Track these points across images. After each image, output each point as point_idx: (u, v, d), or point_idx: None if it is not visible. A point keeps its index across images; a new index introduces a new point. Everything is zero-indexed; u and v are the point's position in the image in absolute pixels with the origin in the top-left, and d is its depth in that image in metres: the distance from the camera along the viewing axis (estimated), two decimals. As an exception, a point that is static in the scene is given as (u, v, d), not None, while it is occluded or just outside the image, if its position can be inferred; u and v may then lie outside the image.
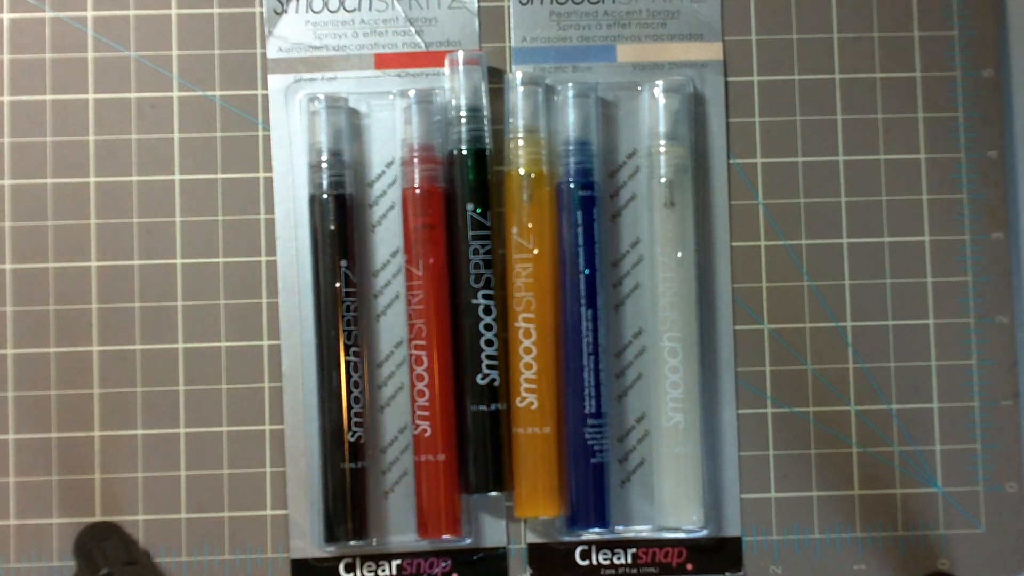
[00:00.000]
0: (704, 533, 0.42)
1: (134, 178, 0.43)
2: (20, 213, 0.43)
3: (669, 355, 0.42)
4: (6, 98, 0.43)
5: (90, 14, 0.43)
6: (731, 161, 0.44)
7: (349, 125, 0.42)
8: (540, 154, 0.42)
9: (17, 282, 0.43)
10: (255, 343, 0.43)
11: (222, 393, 0.42)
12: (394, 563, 0.42)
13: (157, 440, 0.42)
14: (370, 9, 0.43)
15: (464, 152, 0.42)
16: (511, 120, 0.42)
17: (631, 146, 0.43)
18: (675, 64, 0.43)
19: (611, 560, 0.42)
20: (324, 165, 0.41)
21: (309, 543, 0.42)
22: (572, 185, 0.42)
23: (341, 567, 0.42)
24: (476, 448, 0.41)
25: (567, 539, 0.42)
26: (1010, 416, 0.43)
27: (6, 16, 0.43)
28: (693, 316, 0.42)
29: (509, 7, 0.43)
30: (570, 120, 0.42)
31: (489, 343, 0.41)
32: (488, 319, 0.41)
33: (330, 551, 0.42)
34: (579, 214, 0.42)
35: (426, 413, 0.41)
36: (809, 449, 0.43)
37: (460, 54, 0.42)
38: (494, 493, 0.41)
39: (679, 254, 0.42)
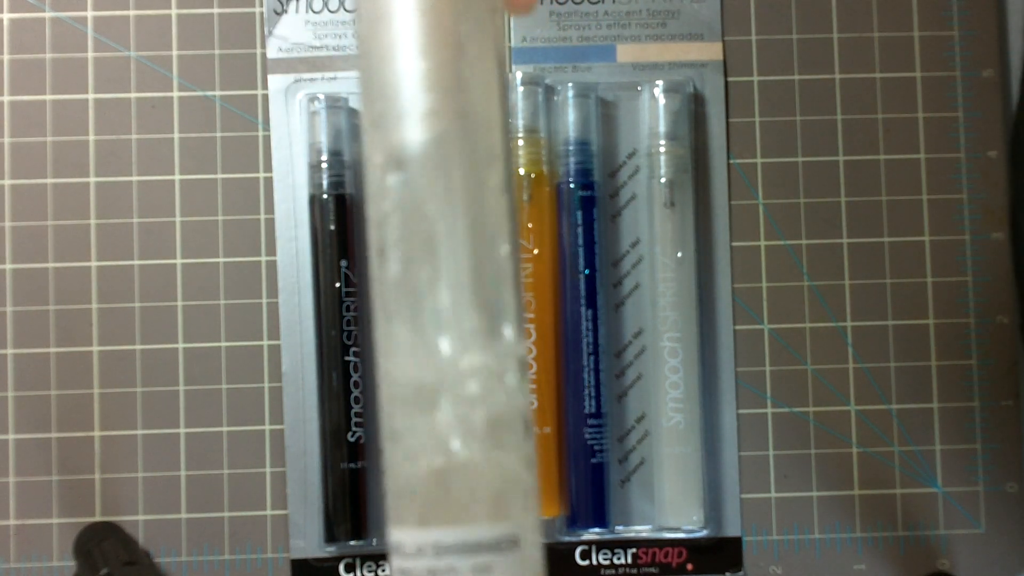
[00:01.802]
0: (704, 533, 0.42)
1: (134, 178, 0.43)
2: (20, 213, 0.43)
3: (669, 355, 0.42)
4: (6, 98, 0.43)
5: (90, 14, 0.43)
6: (731, 161, 0.44)
7: (349, 125, 0.42)
8: (540, 154, 0.42)
9: (17, 282, 0.43)
10: (255, 343, 0.43)
11: (222, 393, 0.42)
12: (394, 563, 0.42)
13: (157, 440, 0.42)
14: (370, 9, 0.43)
15: (464, 152, 0.41)
16: (511, 120, 0.42)
17: (631, 146, 0.43)
18: (675, 64, 0.43)
19: (611, 560, 0.42)
20: (324, 165, 0.41)
21: (309, 543, 0.42)
22: (572, 185, 0.42)
23: (341, 567, 0.42)
24: (476, 448, 0.41)
25: (567, 539, 0.42)
26: (1010, 416, 0.43)
27: (6, 16, 0.43)
28: (693, 316, 0.42)
29: (509, 7, 0.43)
30: (570, 120, 0.42)
31: (489, 343, 0.41)
32: (488, 319, 0.41)
33: (330, 551, 0.42)
34: (579, 214, 0.42)
35: (426, 413, 0.41)
36: (809, 449, 0.43)
37: (460, 54, 0.42)
38: (494, 493, 0.41)
39: (679, 254, 0.42)
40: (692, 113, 0.43)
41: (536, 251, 0.41)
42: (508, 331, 0.18)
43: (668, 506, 0.42)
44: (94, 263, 0.43)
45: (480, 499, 0.18)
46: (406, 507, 0.19)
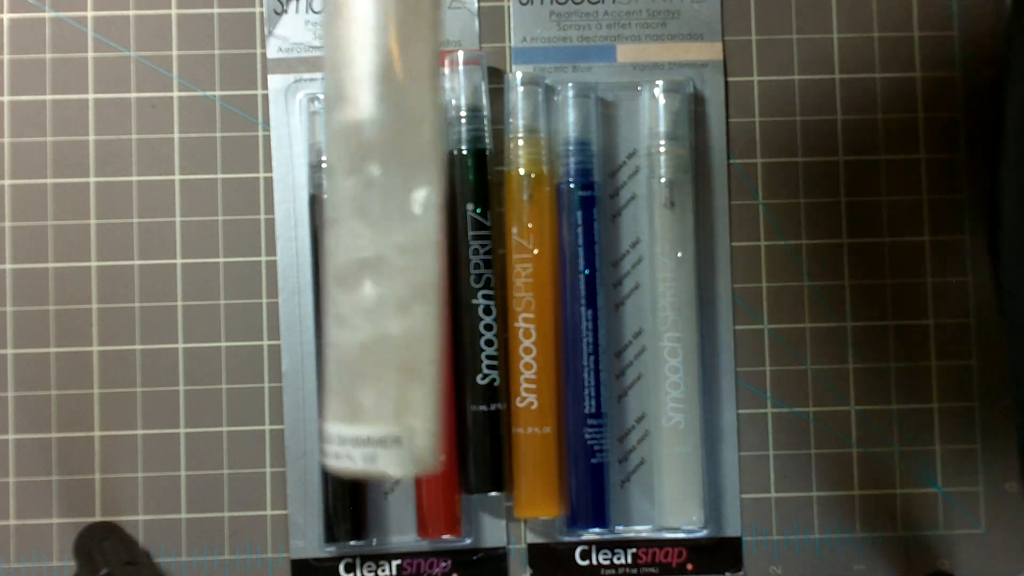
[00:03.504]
0: (704, 533, 0.42)
1: (134, 178, 0.43)
2: (20, 213, 0.43)
3: (669, 355, 0.42)
4: (6, 98, 0.43)
5: (90, 14, 0.43)
6: (731, 161, 0.44)
7: (349, 125, 0.42)
8: (540, 154, 0.42)
9: (17, 282, 0.43)
10: (255, 343, 0.43)
11: (222, 393, 0.42)
12: (394, 563, 0.42)
13: (157, 440, 0.42)
14: (370, 9, 0.43)
15: (464, 152, 0.42)
16: (511, 120, 0.42)
17: (631, 146, 0.43)
18: (675, 64, 0.43)
19: (611, 560, 0.42)
20: (324, 165, 0.41)
21: (309, 543, 0.42)
22: (572, 185, 0.42)
23: (341, 567, 0.42)
24: (476, 448, 0.41)
25: (567, 539, 0.42)
26: (1010, 416, 0.43)
27: (6, 16, 0.43)
28: (693, 316, 0.42)
29: (509, 7, 0.43)
30: (570, 120, 0.42)
31: (489, 343, 0.41)
32: (488, 319, 0.41)
33: (330, 551, 0.42)
34: (579, 214, 0.42)
35: (426, 413, 0.41)
36: (809, 449, 0.43)
37: (460, 54, 0.42)
38: (494, 493, 0.41)
39: (679, 254, 0.42)
40: (692, 113, 0.43)
41: (536, 251, 0.41)
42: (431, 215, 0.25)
43: (668, 506, 0.42)
44: (94, 263, 0.43)
45: (377, 398, 0.24)
46: (330, 405, 0.25)
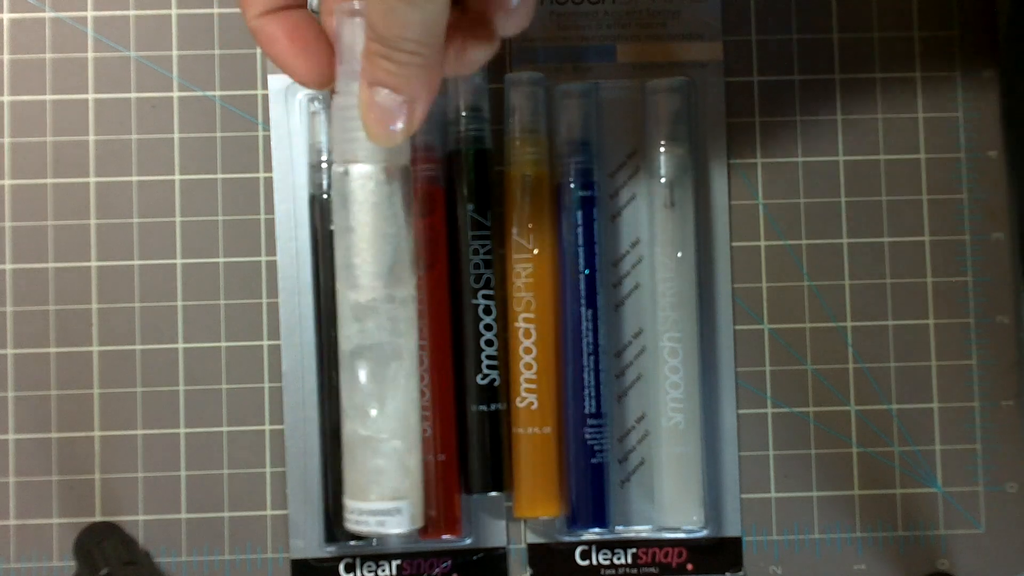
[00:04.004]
0: (704, 533, 0.42)
1: (134, 178, 0.43)
2: (20, 213, 0.43)
3: (669, 355, 0.42)
4: (6, 98, 0.43)
5: (90, 14, 0.43)
6: (731, 161, 0.44)
7: (349, 125, 0.42)
8: (540, 154, 0.42)
9: (17, 282, 0.43)
10: (255, 343, 0.43)
11: (222, 393, 0.42)
12: (394, 563, 0.42)
13: (157, 440, 0.42)
14: (370, 9, 0.43)
15: (464, 152, 0.42)
16: (511, 120, 0.42)
17: (631, 146, 0.43)
18: (675, 64, 0.43)
19: (611, 560, 0.42)
20: (324, 165, 0.41)
21: (309, 543, 0.42)
22: (572, 185, 0.42)
23: (341, 567, 0.42)
24: (476, 448, 0.41)
25: (567, 539, 0.42)
26: (1010, 416, 0.43)
27: (6, 16, 0.43)
28: (693, 316, 0.42)
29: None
30: (570, 120, 0.42)
31: (489, 343, 0.41)
32: (488, 319, 0.41)
33: (330, 551, 0.42)
34: (579, 214, 0.42)
35: (426, 413, 0.41)
36: (809, 449, 0.43)
37: (460, 54, 0.42)
38: (494, 493, 0.41)
39: (679, 254, 0.42)
40: (692, 113, 0.43)
41: (536, 251, 0.41)
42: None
43: (668, 506, 0.42)
44: (94, 263, 0.43)
45: (381, 483, 0.33)
46: (348, 487, 0.34)
